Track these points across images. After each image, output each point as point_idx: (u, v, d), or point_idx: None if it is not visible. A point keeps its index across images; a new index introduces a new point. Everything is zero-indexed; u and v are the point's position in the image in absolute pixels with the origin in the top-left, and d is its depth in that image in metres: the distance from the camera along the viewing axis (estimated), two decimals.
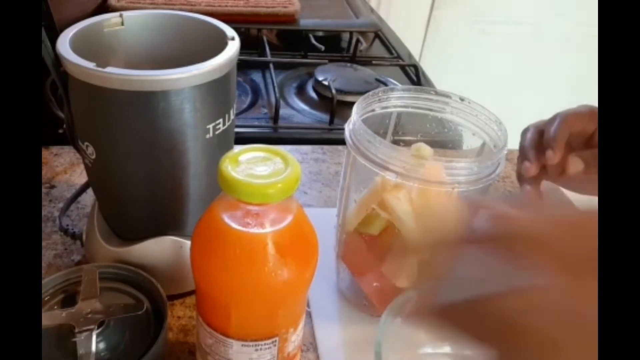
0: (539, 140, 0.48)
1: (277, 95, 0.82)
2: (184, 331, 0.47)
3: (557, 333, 0.22)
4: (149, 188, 0.46)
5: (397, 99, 0.48)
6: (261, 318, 0.37)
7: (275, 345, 0.38)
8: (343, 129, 0.45)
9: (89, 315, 0.40)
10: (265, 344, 0.37)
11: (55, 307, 0.43)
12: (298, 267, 0.35)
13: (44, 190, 0.62)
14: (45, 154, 0.69)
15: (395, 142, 0.49)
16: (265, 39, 1.00)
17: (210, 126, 0.43)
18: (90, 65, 0.39)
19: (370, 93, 0.47)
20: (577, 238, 0.24)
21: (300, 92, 0.92)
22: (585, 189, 0.50)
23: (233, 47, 0.44)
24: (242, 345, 0.37)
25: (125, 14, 0.47)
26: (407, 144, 0.47)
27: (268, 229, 0.34)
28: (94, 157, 0.44)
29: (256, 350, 0.37)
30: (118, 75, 0.38)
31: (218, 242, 0.35)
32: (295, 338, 0.39)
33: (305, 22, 1.02)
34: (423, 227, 0.42)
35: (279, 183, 0.32)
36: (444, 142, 0.49)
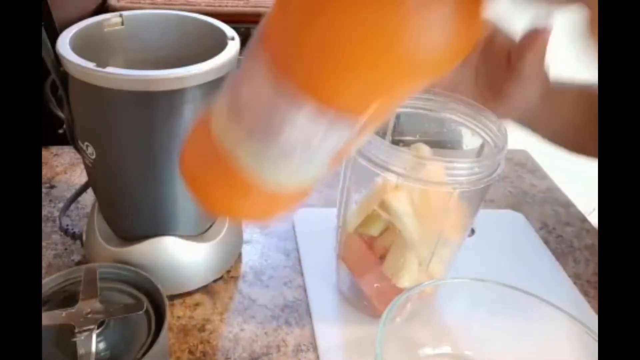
0: None
1: None
2: (184, 331, 0.47)
3: None
4: (149, 188, 0.46)
5: None
6: (370, 82, 0.24)
7: (353, 128, 0.26)
8: None
9: (89, 315, 0.40)
10: (345, 121, 0.25)
11: (55, 307, 0.43)
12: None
13: (44, 190, 0.62)
14: (45, 154, 0.69)
15: (395, 142, 0.48)
16: None
17: None
18: (90, 65, 0.39)
19: None
20: None
21: None
22: None
23: (233, 47, 0.44)
24: (317, 111, 0.25)
25: (125, 14, 0.48)
26: (407, 144, 0.46)
27: None
28: (94, 157, 0.44)
29: (329, 124, 0.25)
30: (118, 75, 0.38)
31: None
32: (371, 129, 0.28)
33: None
34: (423, 227, 0.43)
35: None
36: (443, 142, 0.49)
